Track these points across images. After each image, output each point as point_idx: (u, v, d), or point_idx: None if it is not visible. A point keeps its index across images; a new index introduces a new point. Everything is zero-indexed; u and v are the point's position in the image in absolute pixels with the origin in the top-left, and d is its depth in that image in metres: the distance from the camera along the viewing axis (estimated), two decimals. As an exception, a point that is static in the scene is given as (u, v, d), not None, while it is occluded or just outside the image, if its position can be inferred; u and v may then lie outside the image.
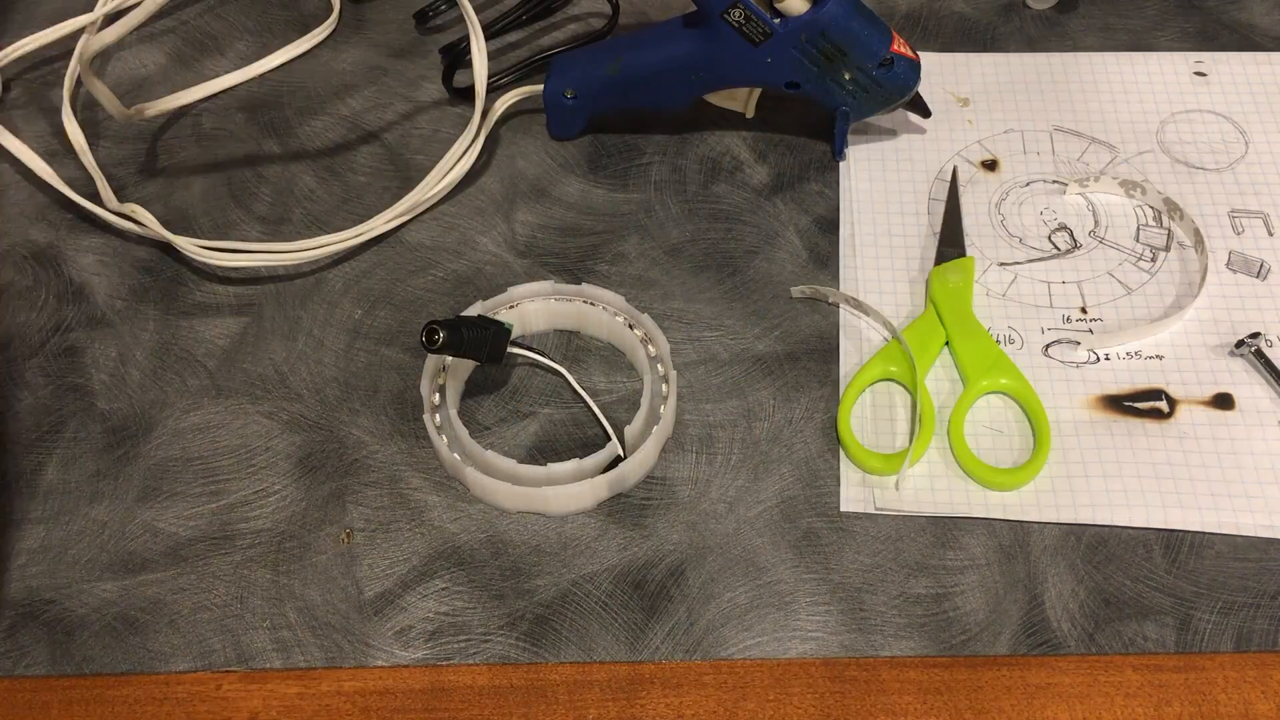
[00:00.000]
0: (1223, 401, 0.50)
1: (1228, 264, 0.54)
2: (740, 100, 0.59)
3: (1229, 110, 0.61)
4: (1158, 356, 0.51)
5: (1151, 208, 0.57)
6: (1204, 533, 0.46)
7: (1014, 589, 0.45)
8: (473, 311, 0.51)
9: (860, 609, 0.45)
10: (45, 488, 0.49)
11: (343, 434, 0.50)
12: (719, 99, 0.59)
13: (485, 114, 0.59)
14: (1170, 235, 0.56)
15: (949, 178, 0.58)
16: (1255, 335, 0.51)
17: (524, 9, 0.65)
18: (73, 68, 0.61)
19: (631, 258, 0.56)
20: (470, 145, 0.58)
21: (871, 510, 0.47)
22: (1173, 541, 0.46)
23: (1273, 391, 0.50)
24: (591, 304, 0.52)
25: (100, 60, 0.65)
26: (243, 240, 0.57)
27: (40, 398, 0.52)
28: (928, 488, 0.48)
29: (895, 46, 0.54)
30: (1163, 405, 0.50)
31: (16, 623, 0.46)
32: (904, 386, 0.51)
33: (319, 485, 0.49)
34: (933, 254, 0.55)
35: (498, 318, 0.51)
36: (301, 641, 0.45)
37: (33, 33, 0.64)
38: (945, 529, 0.47)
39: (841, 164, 0.59)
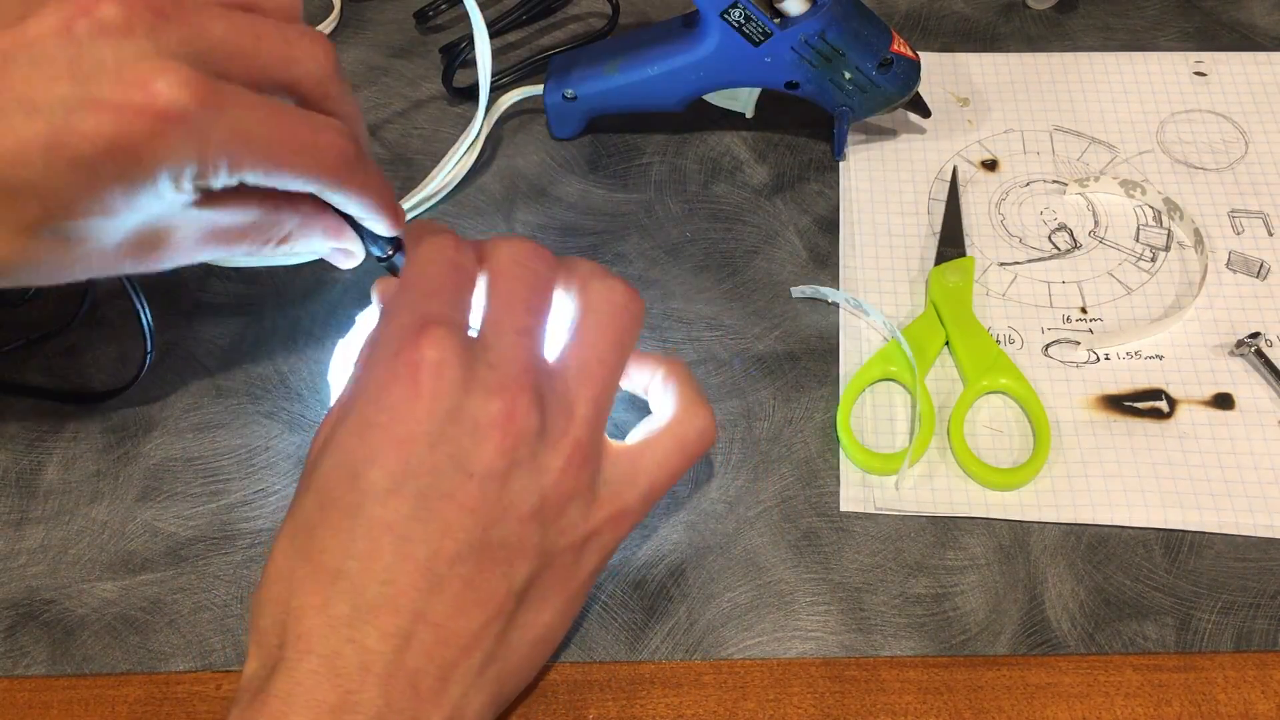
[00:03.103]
0: (1223, 401, 0.50)
1: (1228, 264, 0.54)
2: (740, 100, 0.59)
3: (1229, 110, 0.61)
4: (1158, 356, 0.51)
5: (1151, 208, 0.57)
6: (1204, 533, 0.46)
7: (1014, 589, 0.45)
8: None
9: (860, 609, 0.45)
10: (45, 488, 0.49)
11: (343, 434, 0.50)
12: (719, 99, 0.59)
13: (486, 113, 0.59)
14: (1170, 235, 0.56)
15: (949, 178, 0.58)
16: (1255, 335, 0.51)
17: (524, 9, 0.65)
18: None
19: (631, 258, 0.56)
20: (471, 145, 0.58)
21: (871, 510, 0.47)
22: (1173, 541, 0.46)
23: (1273, 391, 0.50)
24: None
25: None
26: (243, 240, 0.57)
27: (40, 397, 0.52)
28: (928, 487, 0.48)
29: (895, 46, 0.54)
30: (1163, 405, 0.50)
31: (16, 623, 0.46)
32: (904, 386, 0.51)
33: (319, 485, 0.49)
34: (933, 254, 0.55)
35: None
36: (301, 641, 0.45)
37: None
38: (945, 529, 0.47)
39: (841, 164, 0.59)
